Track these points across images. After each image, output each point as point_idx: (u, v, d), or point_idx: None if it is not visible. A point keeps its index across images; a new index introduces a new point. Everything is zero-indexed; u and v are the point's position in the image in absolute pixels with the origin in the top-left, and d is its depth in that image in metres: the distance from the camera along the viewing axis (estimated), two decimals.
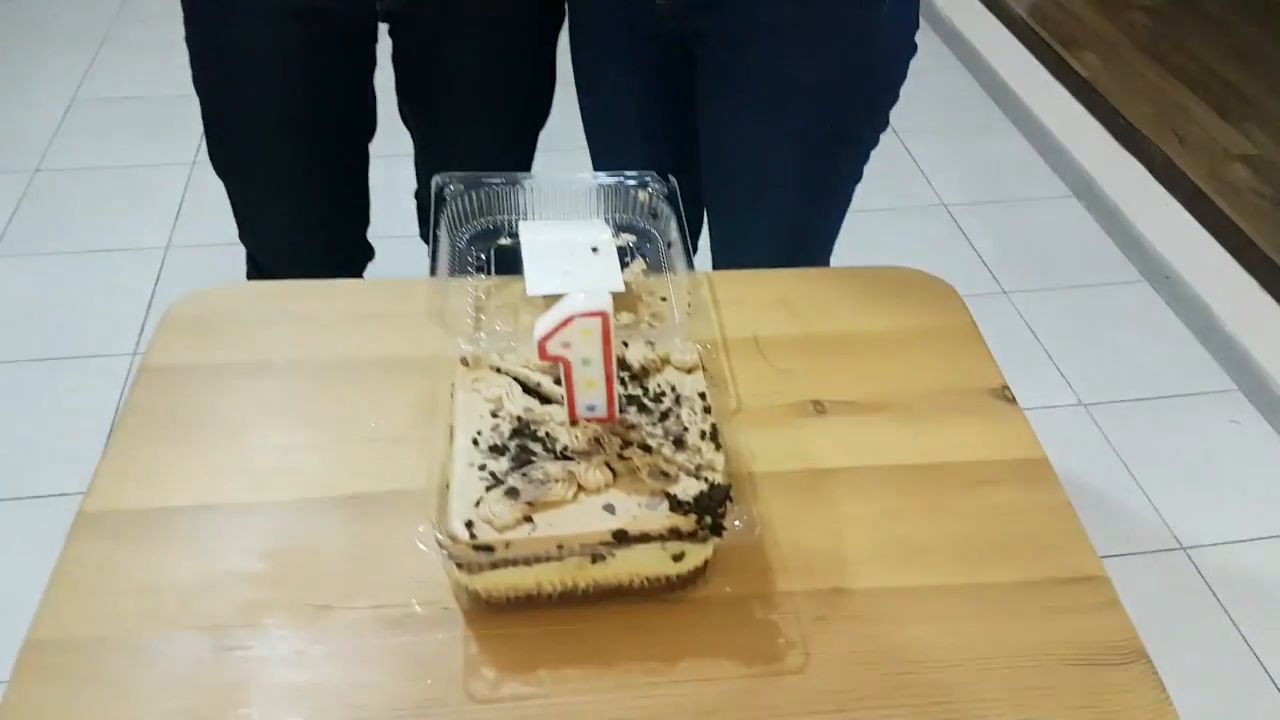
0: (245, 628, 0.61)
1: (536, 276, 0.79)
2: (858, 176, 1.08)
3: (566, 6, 1.07)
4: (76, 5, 2.94)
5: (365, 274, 1.30)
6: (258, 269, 1.24)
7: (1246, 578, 1.54)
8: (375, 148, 1.21)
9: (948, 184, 2.39)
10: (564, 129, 1.21)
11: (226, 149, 1.13)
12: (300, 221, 1.18)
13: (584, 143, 1.17)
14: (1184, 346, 2.00)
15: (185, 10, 1.04)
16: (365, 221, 1.25)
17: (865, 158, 1.06)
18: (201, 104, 1.10)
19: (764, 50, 0.96)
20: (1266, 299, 1.87)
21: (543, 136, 1.21)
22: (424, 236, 1.32)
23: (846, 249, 1.16)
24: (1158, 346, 2.00)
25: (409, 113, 1.18)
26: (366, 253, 1.28)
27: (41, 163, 2.31)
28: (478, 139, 1.15)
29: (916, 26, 1.00)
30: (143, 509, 0.69)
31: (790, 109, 0.98)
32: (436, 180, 0.83)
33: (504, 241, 0.83)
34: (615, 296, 0.71)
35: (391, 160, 1.35)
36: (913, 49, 1.01)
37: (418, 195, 1.29)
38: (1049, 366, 1.91)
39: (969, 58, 2.85)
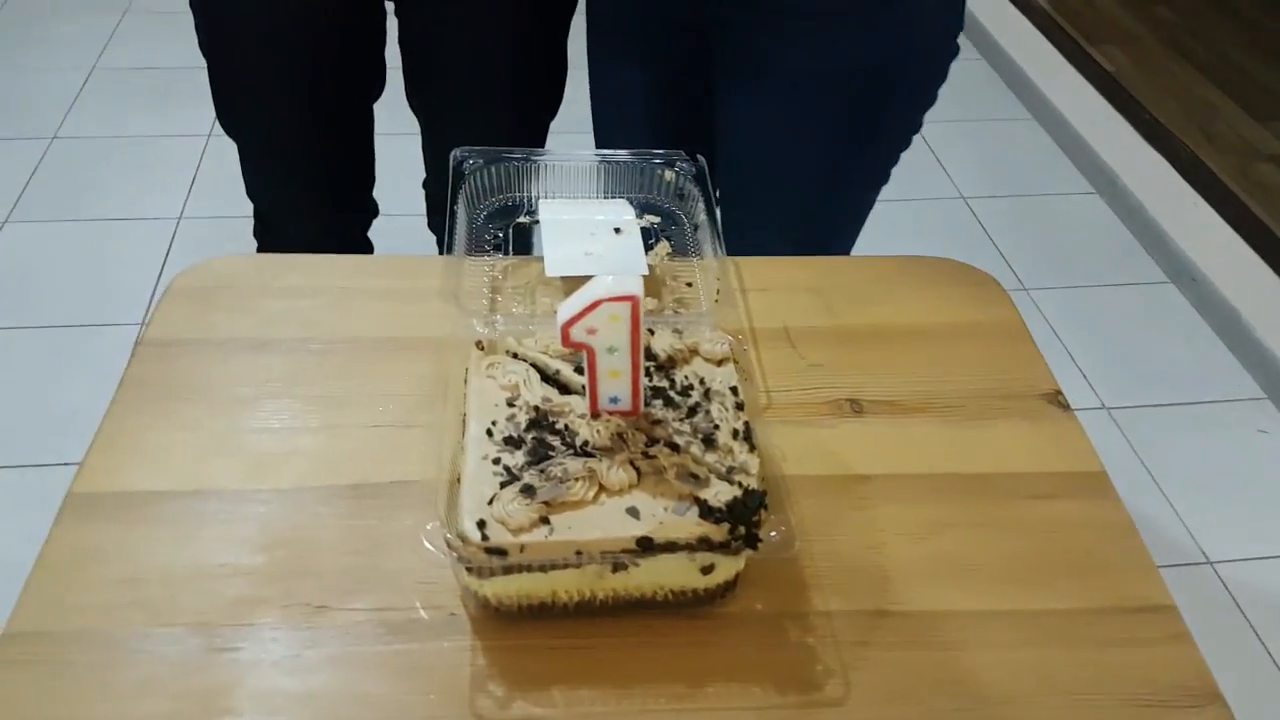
0: (235, 626, 0.57)
1: (556, 256, 0.73)
2: (883, 178, 1.02)
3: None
4: None
5: (370, 234, 1.27)
6: (264, 225, 1.21)
7: (1276, 595, 1.50)
8: (383, 127, 1.17)
9: (967, 177, 2.33)
10: (576, 118, 1.16)
11: (231, 106, 1.10)
12: (303, 177, 1.16)
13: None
14: (1211, 351, 1.95)
15: None
16: (370, 179, 1.22)
17: (893, 159, 1.00)
18: (207, 62, 1.07)
19: (793, 37, 0.90)
20: None
21: (557, 126, 1.17)
22: (432, 226, 1.28)
23: (862, 239, 1.11)
24: (1183, 350, 1.94)
25: (415, 96, 1.14)
26: (371, 210, 1.25)
27: (59, 130, 2.30)
28: (484, 125, 1.11)
29: (960, 27, 0.94)
30: (133, 491, 0.64)
31: (815, 99, 0.93)
32: (456, 154, 0.78)
33: (522, 220, 0.78)
34: None
35: (398, 139, 1.31)
36: (955, 50, 0.95)
37: (426, 185, 1.25)
38: (1071, 367, 1.85)
39: (989, 49, 2.78)
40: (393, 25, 1.09)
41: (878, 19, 0.89)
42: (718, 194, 1.06)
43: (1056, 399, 0.72)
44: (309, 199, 1.18)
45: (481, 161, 0.77)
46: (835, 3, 0.88)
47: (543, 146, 1.17)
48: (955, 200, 2.27)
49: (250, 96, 1.08)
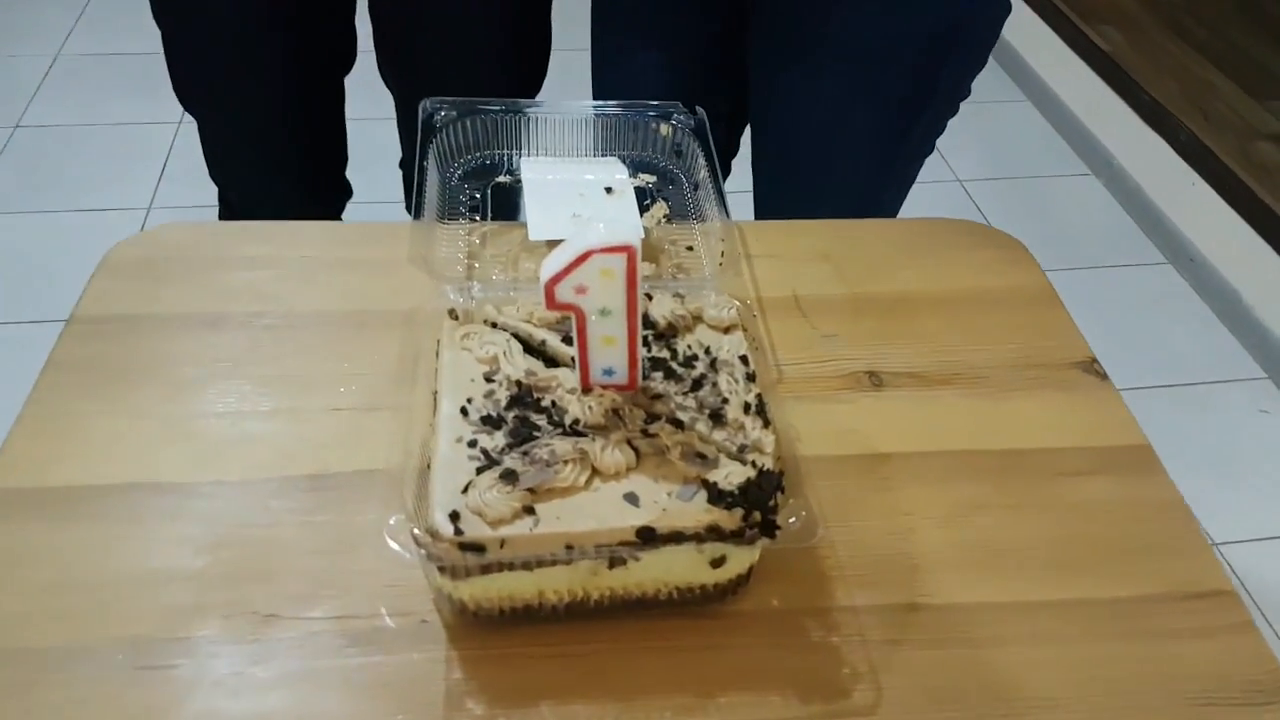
0: (172, 640, 0.49)
1: (540, 219, 0.66)
2: (930, 149, 0.96)
3: None
4: None
5: (344, 218, 1.19)
6: (229, 210, 1.13)
7: None
8: (354, 109, 1.09)
9: (963, 160, 2.27)
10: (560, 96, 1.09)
11: (189, 76, 1.02)
12: (270, 156, 1.08)
13: None
14: (1210, 331, 1.90)
15: None
16: (343, 158, 1.14)
17: (941, 128, 0.94)
18: (161, 30, 0.99)
19: (839, 5, 0.83)
20: None
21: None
22: (410, 208, 1.20)
23: None
24: (1182, 331, 1.89)
25: (388, 69, 1.06)
26: (345, 191, 1.17)
27: (22, 119, 2.21)
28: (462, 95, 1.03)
29: None
30: (59, 486, 0.56)
31: (875, 68, 0.86)
32: (425, 105, 0.70)
33: (502, 179, 0.71)
34: None
35: (374, 124, 1.23)
36: (1008, 8, 0.88)
37: (402, 165, 1.17)
38: None
39: None
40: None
41: None
42: (754, 171, 0.99)
43: (1092, 367, 0.65)
44: (277, 179, 1.10)
45: (455, 113, 0.70)
46: None
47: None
48: (952, 184, 2.22)
49: (209, 66, 1.00)
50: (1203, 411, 1.72)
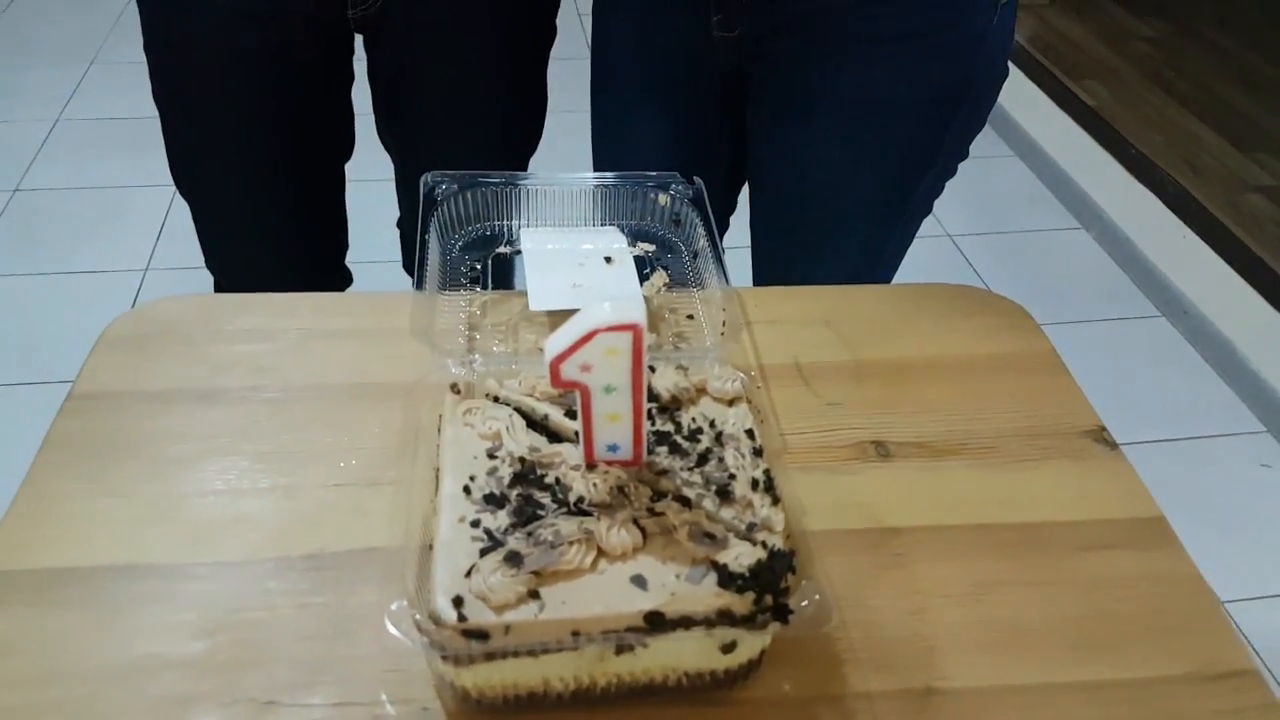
0: None
1: (540, 288, 0.66)
2: (928, 209, 0.96)
3: (591, 45, 0.95)
4: (67, 23, 2.86)
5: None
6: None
7: None
8: (354, 170, 1.09)
9: (952, 215, 2.29)
10: (555, 156, 1.09)
11: (185, 166, 1.01)
12: (267, 247, 1.06)
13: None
14: (1208, 384, 1.90)
15: (141, 16, 0.92)
16: (342, 247, 1.13)
17: (940, 189, 0.94)
18: (160, 117, 0.99)
19: (859, 65, 0.84)
20: None
21: (540, 162, 1.10)
22: (408, 268, 1.19)
23: None
24: (1180, 384, 1.89)
25: (387, 132, 1.06)
26: (344, 279, 1.16)
27: (21, 182, 2.23)
28: (460, 154, 1.02)
29: (1011, 44, 0.89)
30: (50, 569, 0.55)
31: (879, 128, 0.87)
32: (427, 179, 0.70)
33: (503, 250, 0.71)
34: None
35: (372, 185, 1.23)
36: (1006, 71, 0.89)
37: (400, 224, 1.17)
38: None
39: None
40: (359, 65, 1.02)
41: (949, 42, 0.83)
42: (753, 229, 1.00)
43: (1102, 436, 0.65)
44: (274, 271, 1.08)
45: (455, 186, 0.70)
46: (916, 23, 0.82)
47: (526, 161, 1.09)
48: (943, 238, 2.23)
49: (205, 157, 0.99)
50: (1202, 467, 1.71)
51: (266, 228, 1.04)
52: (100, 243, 2.06)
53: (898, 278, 1.03)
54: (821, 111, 0.87)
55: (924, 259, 2.13)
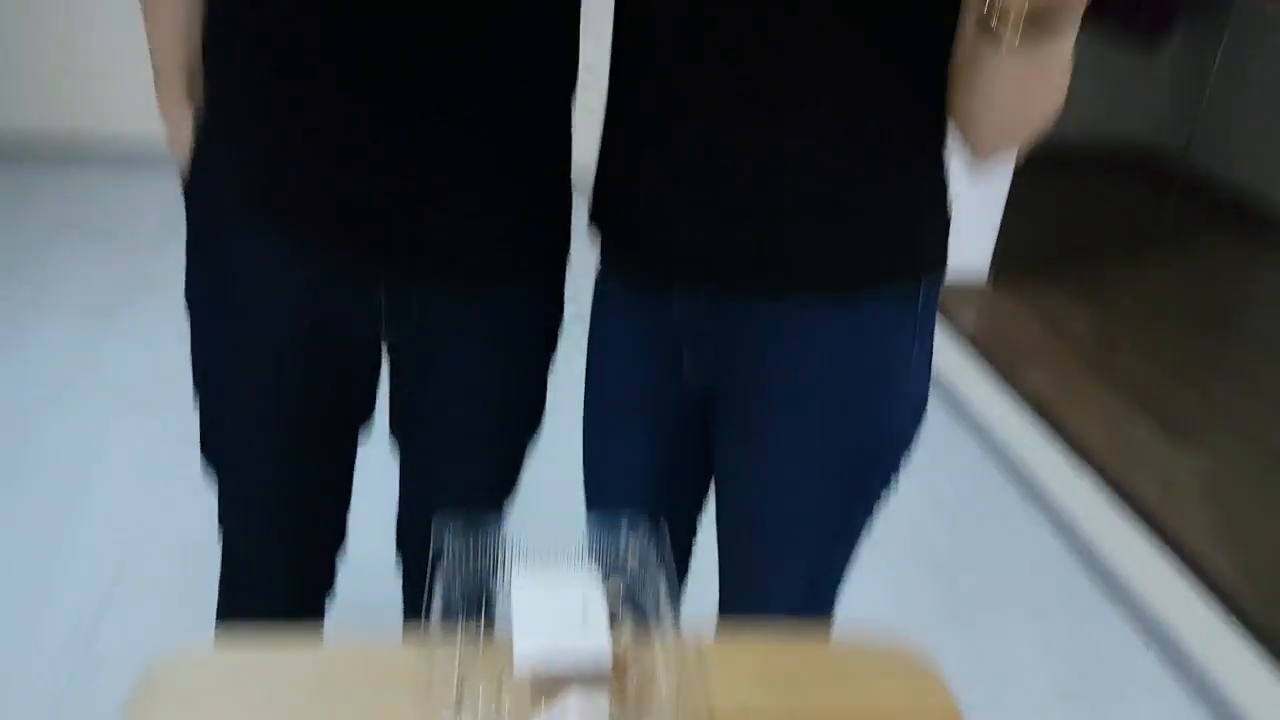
0: None
1: (524, 648, 0.77)
2: (869, 528, 1.08)
3: (586, 371, 1.12)
4: (78, 281, 2.95)
5: (326, 605, 1.27)
6: (231, 571, 1.21)
7: None
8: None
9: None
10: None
11: (220, 439, 1.13)
12: (279, 522, 1.17)
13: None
14: (1163, 686, 1.94)
15: (191, 306, 1.08)
16: (341, 537, 1.23)
17: (879, 509, 1.06)
18: (198, 395, 1.11)
19: (797, 405, 0.98)
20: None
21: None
22: (408, 602, 1.29)
23: None
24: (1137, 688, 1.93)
25: (397, 429, 1.19)
26: (331, 577, 1.25)
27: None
28: (466, 451, 1.17)
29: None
30: None
31: (819, 460, 1.00)
32: (437, 527, 0.83)
33: (493, 590, 0.83)
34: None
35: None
36: (925, 398, 1.03)
37: (400, 545, 1.27)
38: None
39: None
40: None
41: (874, 390, 0.97)
42: (718, 544, 1.12)
43: None
44: (284, 543, 1.19)
45: (460, 540, 0.83)
46: (836, 376, 0.96)
47: (522, 466, 1.21)
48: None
49: (244, 433, 1.11)
50: None
51: (281, 503, 1.15)
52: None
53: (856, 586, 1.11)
54: (766, 436, 1.00)
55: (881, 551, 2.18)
